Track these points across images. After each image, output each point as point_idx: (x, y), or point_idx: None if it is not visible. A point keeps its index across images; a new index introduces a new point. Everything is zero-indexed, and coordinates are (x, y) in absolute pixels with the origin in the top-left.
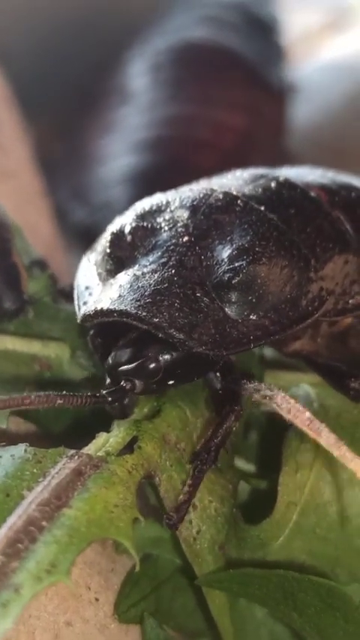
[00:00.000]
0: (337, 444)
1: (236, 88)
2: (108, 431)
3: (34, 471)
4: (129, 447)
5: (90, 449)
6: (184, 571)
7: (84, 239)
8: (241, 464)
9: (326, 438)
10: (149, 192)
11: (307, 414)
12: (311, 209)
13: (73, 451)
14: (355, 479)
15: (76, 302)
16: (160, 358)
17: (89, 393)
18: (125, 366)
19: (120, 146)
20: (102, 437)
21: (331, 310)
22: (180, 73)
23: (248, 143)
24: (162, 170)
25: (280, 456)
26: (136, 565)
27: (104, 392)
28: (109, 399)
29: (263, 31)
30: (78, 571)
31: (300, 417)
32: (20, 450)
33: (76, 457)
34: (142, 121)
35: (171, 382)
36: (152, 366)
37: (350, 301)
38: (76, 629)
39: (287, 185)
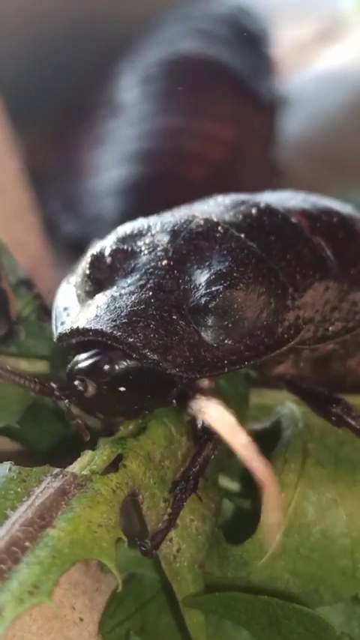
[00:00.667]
0: (248, 445)
1: (225, 101)
2: (94, 449)
3: (19, 490)
4: (114, 465)
5: (75, 467)
6: (168, 590)
7: (74, 252)
8: (225, 482)
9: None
10: (140, 203)
11: (231, 418)
12: (292, 235)
13: (57, 470)
14: (339, 499)
15: (53, 322)
16: (115, 363)
17: (38, 381)
18: (80, 365)
19: (110, 158)
20: (87, 455)
21: (310, 338)
22: (170, 85)
23: (238, 155)
24: (152, 182)
25: None
26: (124, 582)
27: (54, 385)
28: (56, 392)
29: (253, 43)
30: (62, 591)
31: (224, 420)
32: (5, 468)
33: (61, 476)
34: (133, 133)
35: (122, 389)
36: (105, 367)
37: (330, 328)
38: None
39: (268, 211)
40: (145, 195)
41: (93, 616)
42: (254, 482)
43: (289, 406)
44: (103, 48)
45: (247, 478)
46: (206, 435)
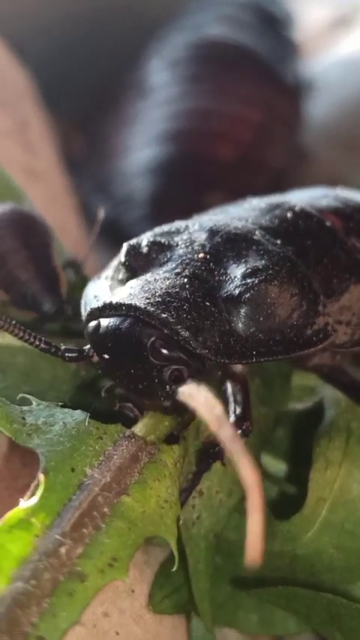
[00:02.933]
0: (234, 438)
1: (251, 84)
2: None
3: (97, 447)
4: (172, 435)
5: (141, 429)
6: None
7: (107, 233)
8: (269, 460)
9: (226, 431)
10: (169, 182)
11: (218, 408)
12: (327, 239)
13: (129, 431)
14: None
15: (83, 308)
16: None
17: (44, 339)
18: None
19: (140, 139)
20: (151, 417)
21: (347, 341)
22: (197, 68)
23: (263, 136)
24: (180, 161)
25: (310, 453)
26: (171, 556)
27: (64, 347)
28: (65, 354)
29: (277, 28)
30: None
31: (212, 409)
32: (83, 420)
33: (133, 440)
34: (161, 114)
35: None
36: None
37: None
38: (113, 619)
39: (303, 215)
40: (174, 174)
41: (143, 588)
42: (300, 460)
43: (330, 387)
44: (131, 33)
45: (292, 455)
46: (239, 422)
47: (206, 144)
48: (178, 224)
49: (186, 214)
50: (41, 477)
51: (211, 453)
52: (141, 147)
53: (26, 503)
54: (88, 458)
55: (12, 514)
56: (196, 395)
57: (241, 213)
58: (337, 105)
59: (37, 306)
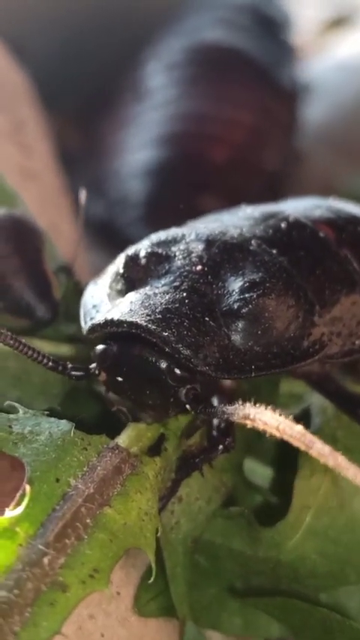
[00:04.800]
0: (332, 455)
1: (247, 87)
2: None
3: (81, 458)
4: (154, 446)
5: (124, 440)
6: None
7: (101, 234)
8: (255, 465)
9: (320, 450)
10: (164, 185)
11: (298, 427)
12: (320, 250)
13: (113, 443)
14: None
15: (82, 319)
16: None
17: (52, 358)
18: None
19: (136, 141)
20: (134, 428)
21: (337, 352)
22: (193, 71)
23: (259, 139)
24: (176, 164)
25: (295, 459)
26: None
27: (70, 365)
28: (72, 372)
29: (274, 31)
30: None
31: (290, 432)
32: (68, 430)
33: (117, 451)
34: (157, 117)
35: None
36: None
37: (357, 342)
38: (99, 621)
39: (297, 225)
40: (170, 177)
41: (129, 590)
42: (285, 466)
43: (318, 394)
44: (127, 34)
45: (277, 461)
46: (219, 436)
47: (201, 146)
48: (175, 232)
49: (180, 216)
50: (27, 487)
51: (190, 462)
52: (137, 149)
53: (11, 512)
54: (72, 468)
55: None
56: (260, 416)
57: (236, 222)
58: (334, 108)
59: (30, 312)
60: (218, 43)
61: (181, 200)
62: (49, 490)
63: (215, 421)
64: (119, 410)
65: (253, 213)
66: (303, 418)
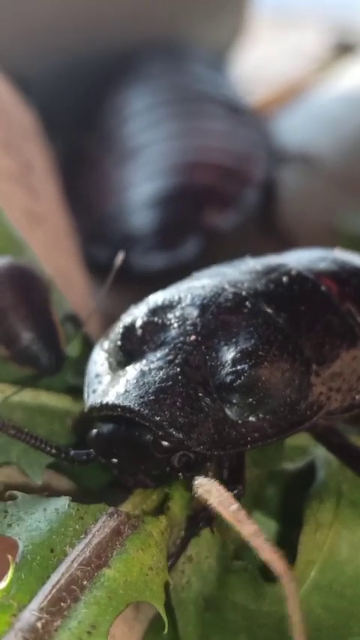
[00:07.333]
0: (256, 534)
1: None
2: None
3: (77, 527)
4: (160, 506)
5: (128, 506)
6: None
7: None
8: (260, 518)
9: (247, 528)
10: (167, 213)
11: (235, 505)
12: (321, 305)
13: (112, 509)
14: None
15: (85, 389)
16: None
17: (54, 445)
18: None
19: (128, 180)
20: (139, 494)
21: (337, 408)
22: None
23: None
24: (178, 190)
25: (300, 512)
26: (159, 613)
27: (72, 451)
28: (75, 458)
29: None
30: None
31: (228, 507)
32: (64, 503)
33: (115, 516)
34: (157, 150)
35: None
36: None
37: (357, 397)
38: None
39: (299, 279)
40: (172, 205)
41: None
42: (290, 518)
43: (322, 447)
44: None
45: (283, 515)
46: (231, 487)
47: (198, 172)
48: (172, 294)
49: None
50: (18, 561)
51: (199, 519)
52: (131, 186)
53: (3, 584)
54: (68, 537)
55: None
56: (211, 491)
57: (237, 277)
58: (337, 142)
59: (36, 362)
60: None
61: (186, 220)
62: (44, 561)
63: (225, 471)
64: (124, 478)
65: (255, 267)
66: (307, 471)
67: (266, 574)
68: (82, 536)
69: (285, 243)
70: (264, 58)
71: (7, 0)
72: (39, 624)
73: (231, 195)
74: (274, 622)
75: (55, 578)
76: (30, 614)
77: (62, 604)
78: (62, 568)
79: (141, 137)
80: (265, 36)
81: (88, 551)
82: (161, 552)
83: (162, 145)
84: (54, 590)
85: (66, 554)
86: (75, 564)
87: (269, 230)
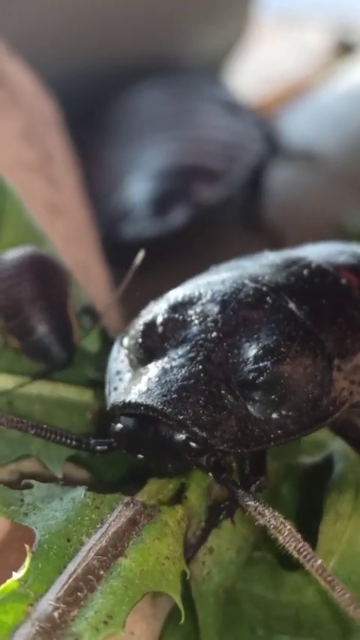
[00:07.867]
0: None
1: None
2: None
3: (93, 516)
4: (177, 495)
5: (144, 496)
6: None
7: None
8: (278, 508)
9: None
10: (164, 182)
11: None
12: (341, 298)
13: (128, 498)
14: None
15: (106, 386)
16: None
17: (74, 436)
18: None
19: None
20: (155, 483)
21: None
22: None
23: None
24: (175, 168)
25: (316, 507)
26: (177, 606)
27: (93, 440)
28: (96, 448)
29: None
30: None
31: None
32: (80, 493)
33: (131, 505)
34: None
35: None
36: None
37: None
38: None
39: (319, 273)
40: (169, 177)
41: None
42: (306, 514)
43: (340, 440)
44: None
45: (300, 510)
46: (253, 478)
47: (188, 156)
48: (192, 290)
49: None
50: (35, 550)
51: (220, 509)
52: (125, 167)
53: (20, 574)
54: (84, 527)
55: (5, 587)
56: (262, 513)
57: (257, 270)
58: (342, 140)
59: (47, 356)
60: None
61: (176, 191)
62: (60, 550)
63: (247, 461)
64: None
65: (275, 260)
66: (325, 465)
67: (285, 563)
68: (98, 526)
69: (272, 239)
70: (268, 58)
71: (17, 4)
72: (56, 614)
73: (219, 171)
74: (292, 613)
75: (71, 567)
76: (47, 603)
77: (79, 594)
78: (79, 557)
79: (138, 128)
80: (269, 36)
81: (105, 541)
82: (178, 542)
83: (158, 134)
84: (70, 580)
85: (82, 544)
86: (91, 554)
87: (256, 227)
